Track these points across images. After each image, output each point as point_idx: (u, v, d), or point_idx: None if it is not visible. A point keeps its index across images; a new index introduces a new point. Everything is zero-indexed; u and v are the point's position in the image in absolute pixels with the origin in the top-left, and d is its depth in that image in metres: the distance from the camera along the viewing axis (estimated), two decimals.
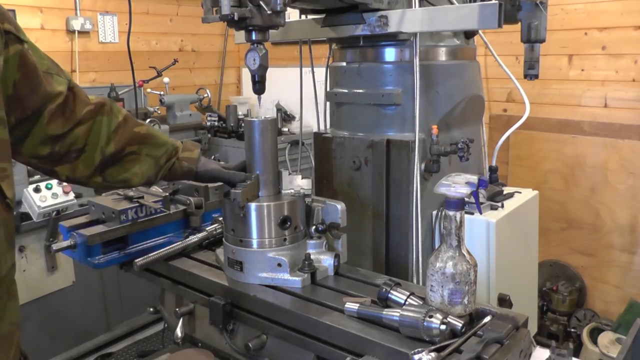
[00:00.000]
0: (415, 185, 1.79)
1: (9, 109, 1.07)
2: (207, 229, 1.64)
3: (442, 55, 1.95)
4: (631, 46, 3.21)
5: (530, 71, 1.99)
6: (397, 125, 1.89)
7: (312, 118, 2.32)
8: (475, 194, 1.18)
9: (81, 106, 1.26)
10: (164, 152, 1.40)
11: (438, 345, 1.02)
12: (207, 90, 4.31)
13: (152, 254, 1.49)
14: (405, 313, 1.09)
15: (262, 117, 1.41)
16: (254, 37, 1.38)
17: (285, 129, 4.28)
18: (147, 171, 1.38)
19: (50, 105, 1.17)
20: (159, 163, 1.39)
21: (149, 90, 4.11)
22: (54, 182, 2.69)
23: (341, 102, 2.04)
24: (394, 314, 1.11)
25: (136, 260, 1.46)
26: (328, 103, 2.19)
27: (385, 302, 1.18)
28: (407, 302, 1.16)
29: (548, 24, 1.92)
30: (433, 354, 0.98)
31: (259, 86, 1.43)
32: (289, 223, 1.38)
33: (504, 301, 1.77)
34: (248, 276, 1.38)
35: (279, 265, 1.35)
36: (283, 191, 1.46)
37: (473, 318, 1.15)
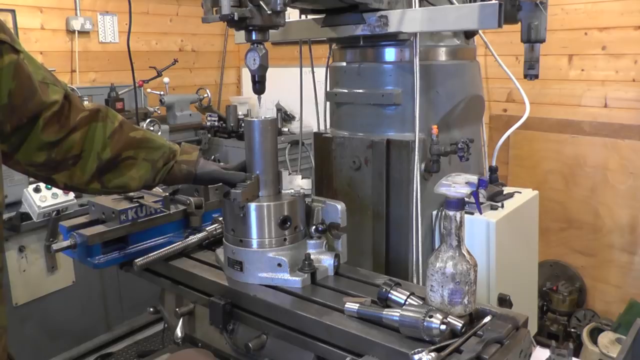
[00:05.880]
0: (415, 185, 1.79)
1: (4, 118, 1.08)
2: (207, 229, 1.64)
3: (442, 55, 1.95)
4: (631, 46, 3.21)
5: (530, 71, 1.99)
6: (397, 125, 1.89)
7: (312, 118, 2.32)
8: (475, 194, 1.18)
9: (76, 113, 1.26)
10: (160, 156, 1.39)
11: (438, 345, 1.02)
12: (207, 90, 4.31)
13: (152, 254, 1.49)
14: (405, 313, 1.09)
15: (262, 117, 1.41)
16: (254, 37, 1.37)
17: (285, 129, 4.28)
18: (144, 175, 1.38)
19: (45, 114, 1.18)
20: (156, 166, 1.39)
21: (149, 90, 4.11)
22: None
23: (341, 102, 2.04)
24: (394, 314, 1.11)
25: (136, 260, 1.46)
26: (328, 103, 2.19)
27: (385, 302, 1.18)
28: (407, 302, 1.16)
29: (548, 24, 1.92)
30: (433, 354, 0.98)
31: (259, 86, 1.43)
32: (289, 223, 1.38)
33: (504, 301, 1.78)
34: (248, 276, 1.37)
35: (279, 265, 1.35)
36: (283, 191, 1.46)
37: (473, 318, 1.15)
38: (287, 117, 4.42)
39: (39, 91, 1.15)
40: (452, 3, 1.83)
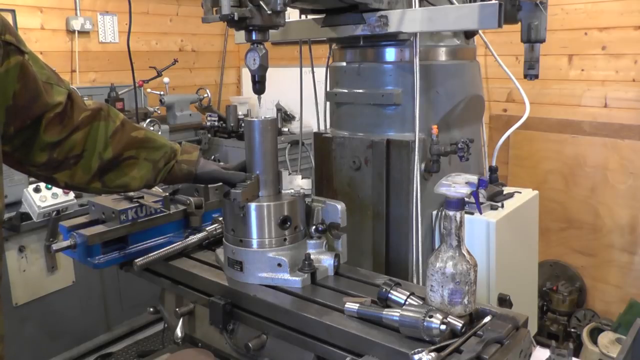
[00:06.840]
0: (415, 185, 1.79)
1: (8, 119, 1.08)
2: (207, 229, 1.64)
3: (442, 55, 1.95)
4: (631, 46, 3.21)
5: (530, 71, 1.99)
6: (397, 125, 1.89)
7: (312, 118, 2.32)
8: (475, 194, 1.18)
9: (78, 112, 1.26)
10: (162, 156, 1.40)
11: (438, 345, 1.02)
12: (207, 90, 4.31)
13: (152, 254, 1.49)
14: (405, 313, 1.09)
15: (262, 117, 1.41)
16: (254, 37, 1.37)
17: (285, 129, 4.28)
18: (145, 175, 1.38)
19: (48, 115, 1.17)
20: (157, 167, 1.39)
21: (149, 90, 4.11)
22: None
23: (341, 102, 2.04)
24: (394, 314, 1.11)
25: (136, 260, 1.46)
26: (328, 103, 2.19)
27: (385, 302, 1.18)
28: (407, 302, 1.16)
29: (548, 24, 1.92)
30: (433, 354, 0.98)
31: (259, 86, 1.43)
32: (289, 223, 1.38)
33: (504, 301, 1.78)
34: (248, 276, 1.37)
35: (279, 265, 1.35)
36: (283, 191, 1.46)
37: (473, 318, 1.15)
38: (287, 117, 4.42)
39: (44, 93, 1.15)
40: (452, 3, 1.83)
